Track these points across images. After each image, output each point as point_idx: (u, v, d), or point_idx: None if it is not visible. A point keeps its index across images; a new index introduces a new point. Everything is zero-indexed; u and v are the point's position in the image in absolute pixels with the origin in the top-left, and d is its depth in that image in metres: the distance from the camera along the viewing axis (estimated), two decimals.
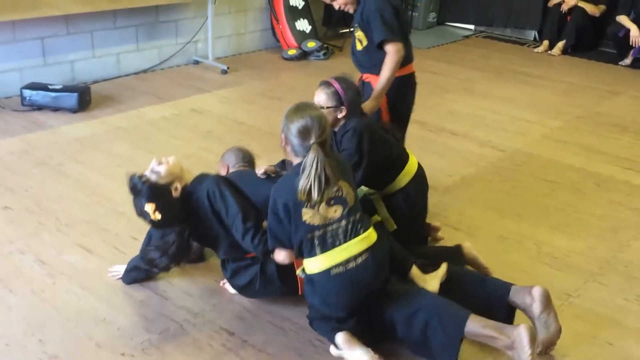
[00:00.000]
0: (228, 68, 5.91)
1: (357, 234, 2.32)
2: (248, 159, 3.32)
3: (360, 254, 2.31)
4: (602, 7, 7.01)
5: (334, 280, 2.29)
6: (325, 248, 2.29)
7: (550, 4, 7.29)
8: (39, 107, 4.71)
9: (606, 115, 5.24)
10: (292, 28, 6.60)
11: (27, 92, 4.70)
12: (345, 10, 3.25)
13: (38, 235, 3.14)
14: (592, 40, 7.18)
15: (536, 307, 2.42)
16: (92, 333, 2.50)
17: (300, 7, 6.79)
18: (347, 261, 2.29)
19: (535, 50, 7.23)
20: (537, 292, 2.44)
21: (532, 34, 7.75)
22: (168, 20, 5.90)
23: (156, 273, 2.76)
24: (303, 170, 2.25)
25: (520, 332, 2.24)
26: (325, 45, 6.65)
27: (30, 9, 4.78)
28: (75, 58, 5.35)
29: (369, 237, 2.35)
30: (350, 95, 2.77)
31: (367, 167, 2.76)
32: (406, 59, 3.20)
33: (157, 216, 2.45)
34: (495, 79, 6.14)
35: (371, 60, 3.19)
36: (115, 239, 3.13)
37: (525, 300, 2.46)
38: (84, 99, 4.78)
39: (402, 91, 3.27)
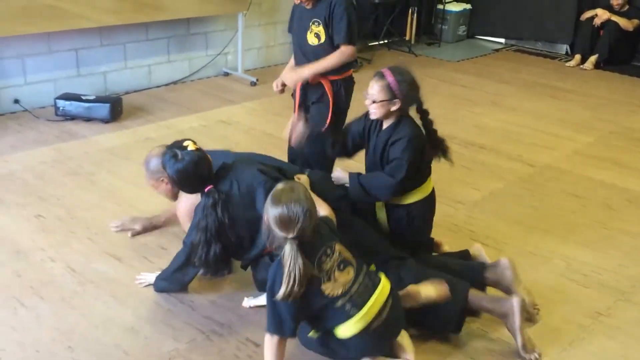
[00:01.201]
0: (257, 80, 5.96)
1: (375, 285, 2.32)
2: None
3: (381, 311, 2.29)
4: (636, 21, 6.93)
5: (373, 334, 2.28)
6: (347, 316, 2.24)
7: (583, 17, 7.22)
8: (72, 117, 4.80)
9: (638, 131, 5.16)
10: None
11: (61, 103, 4.80)
12: (305, 5, 3.26)
13: (68, 244, 3.19)
14: (625, 54, 7.09)
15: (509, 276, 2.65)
16: (119, 341, 2.53)
17: None
18: (380, 312, 2.28)
19: (567, 64, 7.15)
20: (504, 262, 2.67)
21: (563, 47, 7.67)
22: (199, 32, 5.98)
23: (188, 282, 2.79)
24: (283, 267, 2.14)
25: (513, 304, 2.47)
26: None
27: (66, 21, 4.88)
28: (107, 69, 5.44)
29: (383, 280, 2.36)
30: (404, 88, 2.67)
31: (404, 179, 2.69)
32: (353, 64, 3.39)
33: None
34: (525, 93, 6.09)
35: (324, 57, 3.21)
36: (144, 249, 3.17)
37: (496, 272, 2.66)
38: (115, 109, 4.86)
39: (349, 91, 3.34)
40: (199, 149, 2.58)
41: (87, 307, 2.73)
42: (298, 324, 2.25)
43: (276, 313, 2.19)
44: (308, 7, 3.25)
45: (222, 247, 2.54)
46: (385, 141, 2.75)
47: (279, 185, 2.23)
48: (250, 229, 2.59)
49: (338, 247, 2.30)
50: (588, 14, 7.15)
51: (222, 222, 2.51)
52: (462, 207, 3.75)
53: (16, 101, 4.90)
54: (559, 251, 3.32)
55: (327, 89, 3.26)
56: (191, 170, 2.53)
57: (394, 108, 2.70)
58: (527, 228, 3.55)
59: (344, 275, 2.26)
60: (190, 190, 2.66)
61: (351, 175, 2.82)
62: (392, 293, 2.36)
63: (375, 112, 2.72)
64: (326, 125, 3.23)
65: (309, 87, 3.30)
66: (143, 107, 5.19)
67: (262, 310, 2.72)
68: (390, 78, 2.66)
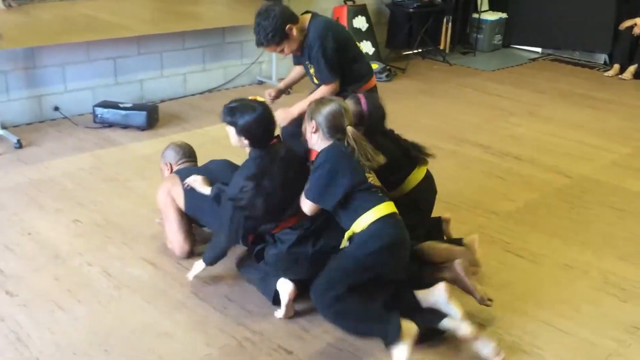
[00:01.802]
0: (291, 89, 5.98)
1: (385, 198, 2.55)
2: (189, 154, 3.45)
3: (394, 213, 2.53)
4: None
5: (393, 228, 2.49)
6: (381, 200, 2.51)
7: (622, 27, 7.10)
8: (110, 125, 4.89)
9: None
10: None
11: (99, 110, 4.89)
12: (295, 54, 3.54)
13: (105, 249, 3.25)
14: None
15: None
16: (154, 346, 2.56)
17: (364, 29, 6.84)
18: (392, 216, 2.52)
19: (605, 74, 7.04)
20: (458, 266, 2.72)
21: (602, 57, 7.56)
22: (234, 41, 6.05)
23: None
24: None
25: (456, 268, 2.70)
26: (388, 67, 6.66)
27: (105, 31, 4.99)
28: (144, 77, 5.54)
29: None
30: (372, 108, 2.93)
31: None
32: (366, 75, 3.50)
33: None
34: (562, 103, 6.01)
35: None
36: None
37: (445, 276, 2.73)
38: (152, 117, 4.94)
39: None
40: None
41: (123, 311, 2.77)
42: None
43: (324, 184, 2.52)
44: (298, 54, 3.52)
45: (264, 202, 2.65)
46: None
47: (318, 100, 2.67)
48: (283, 200, 2.69)
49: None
50: (627, 23, 7.03)
51: (277, 177, 2.66)
52: (497, 218, 3.70)
53: (56, 108, 5.01)
54: (596, 264, 3.26)
55: None
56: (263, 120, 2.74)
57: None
58: (563, 240, 3.49)
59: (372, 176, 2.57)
60: (257, 142, 2.76)
61: None
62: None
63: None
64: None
65: None
66: (179, 114, 5.26)
67: (295, 319, 2.73)
68: (362, 101, 2.91)
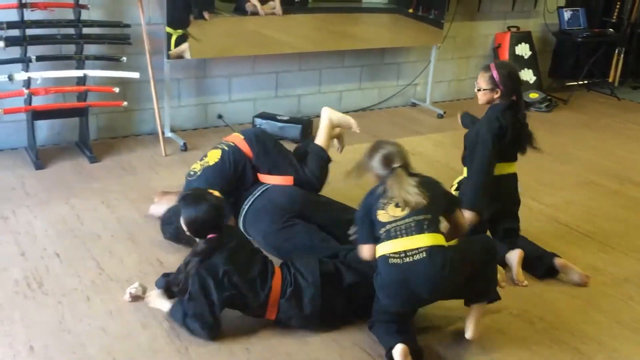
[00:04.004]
0: (444, 112, 5.93)
1: (420, 232, 2.47)
2: None
3: (417, 250, 2.45)
4: None
5: (391, 269, 2.48)
6: (388, 238, 2.51)
7: None
8: None
9: None
10: None
11: (258, 121, 5.14)
12: None
13: None
14: None
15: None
16: (290, 350, 2.62)
17: (526, 57, 6.64)
18: (405, 253, 2.46)
19: None
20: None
21: None
22: (391, 62, 6.11)
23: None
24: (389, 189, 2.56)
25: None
26: (548, 97, 6.40)
27: (270, 47, 5.25)
28: (302, 92, 5.74)
29: (433, 238, 2.47)
30: (505, 79, 3.09)
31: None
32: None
33: None
34: None
35: None
36: None
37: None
38: (306, 130, 5.10)
39: None
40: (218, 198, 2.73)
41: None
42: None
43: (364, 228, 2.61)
44: None
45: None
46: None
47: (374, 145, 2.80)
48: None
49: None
50: None
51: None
52: None
53: (220, 116, 5.33)
54: None
55: None
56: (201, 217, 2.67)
57: (496, 96, 3.13)
58: None
59: (396, 211, 2.54)
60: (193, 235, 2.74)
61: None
62: (437, 250, 2.47)
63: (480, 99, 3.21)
64: None
65: None
66: None
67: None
68: (494, 71, 3.10)
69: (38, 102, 4.34)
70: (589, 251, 3.57)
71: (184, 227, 2.72)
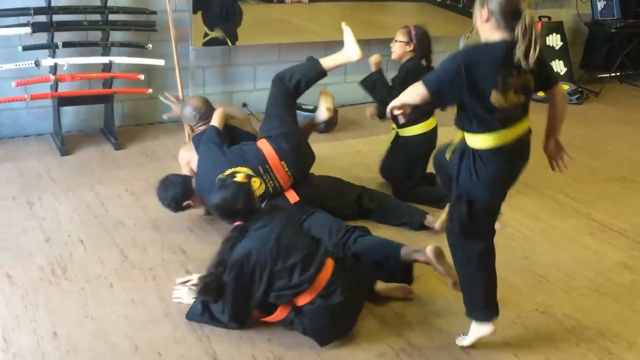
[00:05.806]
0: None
1: (525, 114, 2.39)
2: (206, 115, 3.54)
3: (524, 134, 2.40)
4: None
5: (503, 153, 2.35)
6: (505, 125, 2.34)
7: None
8: None
9: None
10: None
11: None
12: None
13: None
14: None
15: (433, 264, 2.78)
16: (314, 343, 2.59)
17: (557, 48, 6.51)
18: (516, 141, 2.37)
19: None
20: (430, 251, 2.76)
21: None
22: None
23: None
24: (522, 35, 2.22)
25: (427, 253, 2.78)
26: (580, 90, 6.27)
27: (296, 34, 5.20)
28: (328, 82, 5.64)
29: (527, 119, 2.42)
30: (420, 37, 3.73)
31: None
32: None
33: None
34: None
35: None
36: None
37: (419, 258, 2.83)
38: (331, 120, 5.03)
39: None
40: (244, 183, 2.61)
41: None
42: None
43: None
44: None
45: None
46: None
47: None
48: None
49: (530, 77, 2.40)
50: None
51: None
52: None
53: (244, 105, 5.30)
54: None
55: None
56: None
57: (408, 49, 3.79)
58: None
59: (516, 98, 2.32)
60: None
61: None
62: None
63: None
64: None
65: None
66: (357, 121, 5.33)
67: (454, 340, 2.64)
68: (411, 28, 3.74)
69: (64, 88, 4.35)
70: (620, 248, 3.48)
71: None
